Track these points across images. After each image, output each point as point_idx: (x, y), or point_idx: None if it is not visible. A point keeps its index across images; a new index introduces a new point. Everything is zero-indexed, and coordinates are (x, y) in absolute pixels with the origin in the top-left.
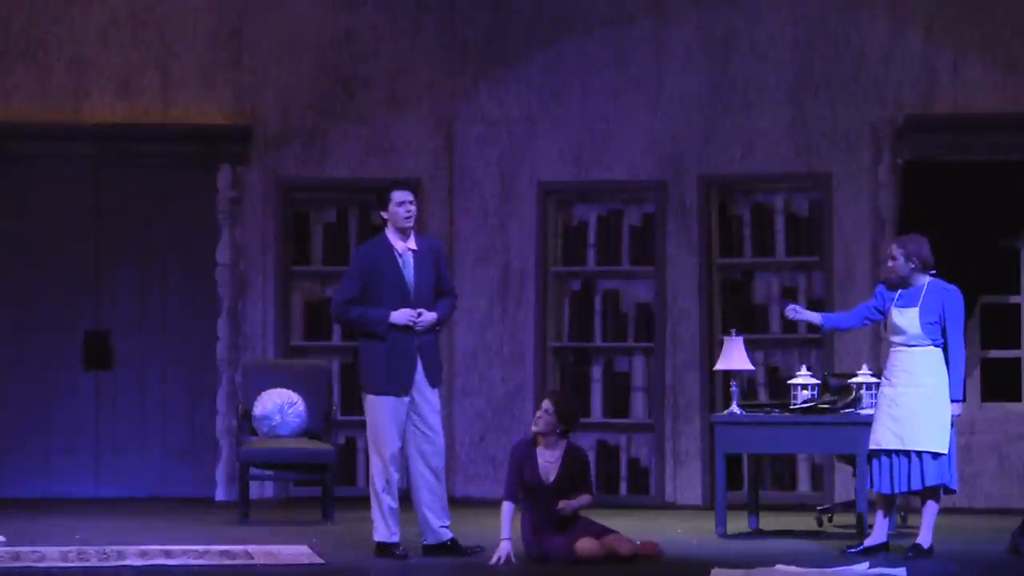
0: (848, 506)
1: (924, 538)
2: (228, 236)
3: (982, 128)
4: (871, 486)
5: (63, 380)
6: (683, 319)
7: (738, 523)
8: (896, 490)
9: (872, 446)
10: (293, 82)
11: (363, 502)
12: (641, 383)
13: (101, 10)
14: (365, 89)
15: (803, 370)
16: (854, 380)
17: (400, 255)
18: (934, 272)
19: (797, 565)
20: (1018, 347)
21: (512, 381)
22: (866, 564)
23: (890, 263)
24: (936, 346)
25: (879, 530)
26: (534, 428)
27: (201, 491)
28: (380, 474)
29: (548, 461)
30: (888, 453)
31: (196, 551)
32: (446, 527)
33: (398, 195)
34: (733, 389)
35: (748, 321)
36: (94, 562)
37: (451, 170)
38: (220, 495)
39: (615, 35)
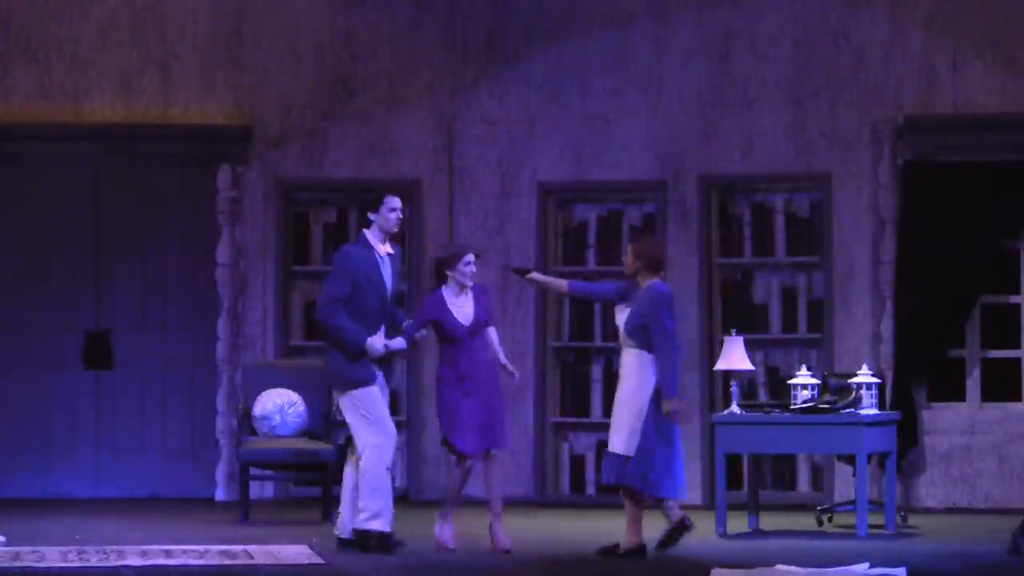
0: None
1: (625, 540)
2: (228, 236)
3: (982, 128)
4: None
5: (63, 380)
6: (683, 319)
7: (738, 523)
8: (608, 483)
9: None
10: (293, 82)
11: None
12: None
13: (101, 10)
14: (365, 89)
15: (803, 370)
16: (854, 380)
17: (380, 258)
18: (663, 276)
19: (797, 565)
20: (1018, 347)
21: (512, 381)
22: (866, 564)
23: (624, 259)
24: (642, 348)
25: (632, 531)
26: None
27: (201, 491)
28: (385, 457)
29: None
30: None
31: (196, 551)
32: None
33: (392, 200)
34: (733, 389)
35: (748, 321)
36: (94, 562)
37: (451, 170)
38: (220, 495)
39: (615, 35)
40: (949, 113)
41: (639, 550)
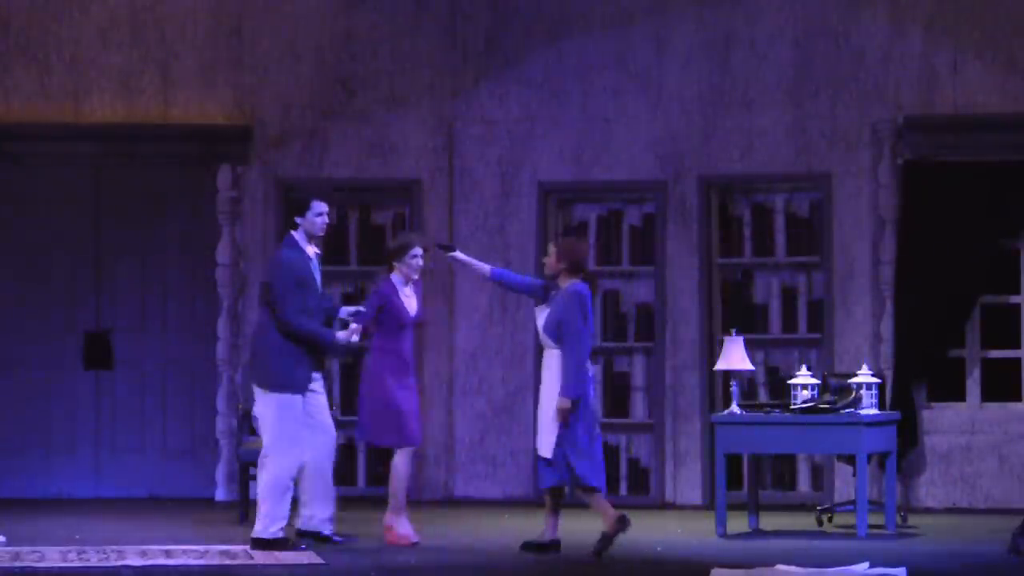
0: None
1: (544, 533)
2: (228, 236)
3: (982, 128)
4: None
5: (63, 380)
6: (683, 319)
7: (738, 523)
8: (540, 485)
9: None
10: (293, 82)
11: (364, 502)
12: (641, 383)
13: (101, 10)
14: (365, 89)
15: (803, 370)
16: (854, 380)
17: (311, 260)
18: (582, 277)
19: (797, 565)
20: (1018, 347)
21: (512, 381)
22: (866, 564)
23: (546, 259)
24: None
25: (550, 528)
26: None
27: (201, 491)
28: (293, 468)
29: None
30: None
31: (196, 551)
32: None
33: (318, 205)
34: (733, 389)
35: (748, 321)
36: (94, 562)
37: (451, 170)
38: (220, 495)
39: (615, 35)
40: (949, 113)
41: (554, 545)
